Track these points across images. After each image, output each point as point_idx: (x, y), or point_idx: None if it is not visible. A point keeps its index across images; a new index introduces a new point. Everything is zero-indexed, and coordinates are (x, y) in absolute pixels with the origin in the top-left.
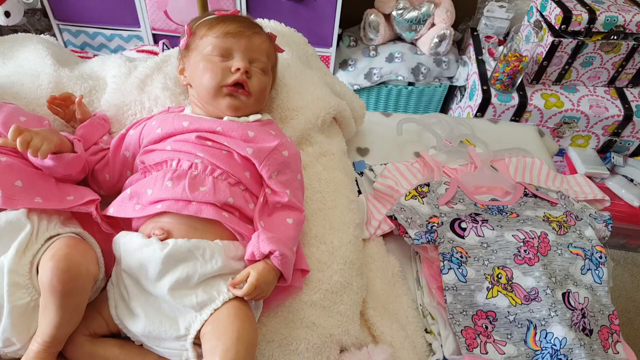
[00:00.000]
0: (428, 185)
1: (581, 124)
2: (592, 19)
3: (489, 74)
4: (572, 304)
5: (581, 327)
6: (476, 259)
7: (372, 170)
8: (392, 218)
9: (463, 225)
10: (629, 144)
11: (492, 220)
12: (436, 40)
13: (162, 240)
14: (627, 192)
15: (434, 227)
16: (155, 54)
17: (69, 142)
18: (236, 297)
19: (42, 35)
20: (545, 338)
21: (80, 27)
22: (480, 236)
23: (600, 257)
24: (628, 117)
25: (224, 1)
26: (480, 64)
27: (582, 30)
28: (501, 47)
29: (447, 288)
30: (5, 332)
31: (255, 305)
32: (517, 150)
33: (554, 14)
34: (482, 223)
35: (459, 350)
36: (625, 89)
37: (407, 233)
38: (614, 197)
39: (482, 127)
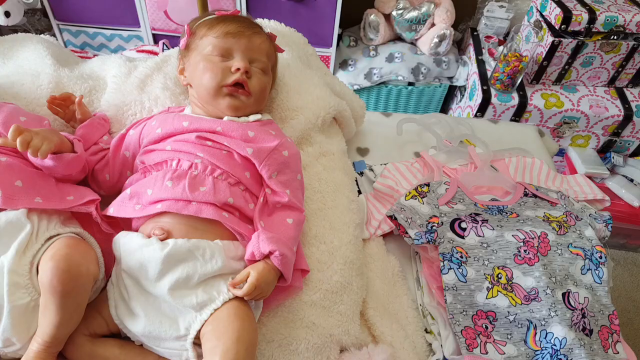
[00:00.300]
0: (428, 185)
1: (581, 124)
2: (592, 19)
3: (489, 74)
4: (572, 304)
5: (581, 327)
6: (476, 259)
7: (372, 170)
8: (392, 218)
9: (463, 225)
10: (629, 144)
11: (492, 220)
12: (436, 40)
13: (162, 240)
14: (627, 192)
15: (434, 227)
16: (155, 54)
17: (69, 142)
18: (236, 297)
19: (42, 35)
20: (545, 338)
21: (80, 27)
22: (480, 236)
23: (600, 257)
24: (628, 117)
25: (224, 1)
26: (480, 64)
27: (582, 30)
28: (501, 47)
29: (447, 288)
30: (5, 332)
31: (255, 305)
32: (517, 150)
33: (554, 14)
34: (482, 223)
35: (459, 350)
36: (625, 89)
37: (407, 233)
38: (614, 197)
39: (482, 127)
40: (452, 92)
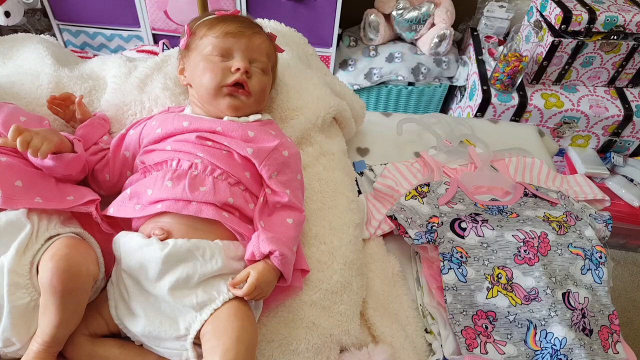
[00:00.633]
0: (428, 185)
1: (581, 124)
2: (592, 19)
3: (489, 74)
4: (572, 304)
5: (581, 327)
6: (476, 259)
7: (372, 170)
8: (392, 218)
9: (463, 225)
10: (629, 144)
11: (492, 220)
12: (436, 40)
13: (162, 240)
14: (627, 192)
15: (434, 227)
16: (155, 54)
17: (69, 142)
18: (236, 297)
19: (42, 35)
20: (545, 338)
21: (80, 27)
22: (480, 236)
23: (600, 257)
24: (628, 117)
25: (224, 1)
26: (480, 64)
27: (582, 30)
28: (501, 47)
29: (447, 288)
30: (5, 332)
31: (255, 305)
32: (517, 150)
33: (554, 14)
34: (482, 223)
35: (459, 350)
36: (625, 89)
37: (407, 233)
38: (614, 197)
39: (482, 127)
40: (452, 92)
